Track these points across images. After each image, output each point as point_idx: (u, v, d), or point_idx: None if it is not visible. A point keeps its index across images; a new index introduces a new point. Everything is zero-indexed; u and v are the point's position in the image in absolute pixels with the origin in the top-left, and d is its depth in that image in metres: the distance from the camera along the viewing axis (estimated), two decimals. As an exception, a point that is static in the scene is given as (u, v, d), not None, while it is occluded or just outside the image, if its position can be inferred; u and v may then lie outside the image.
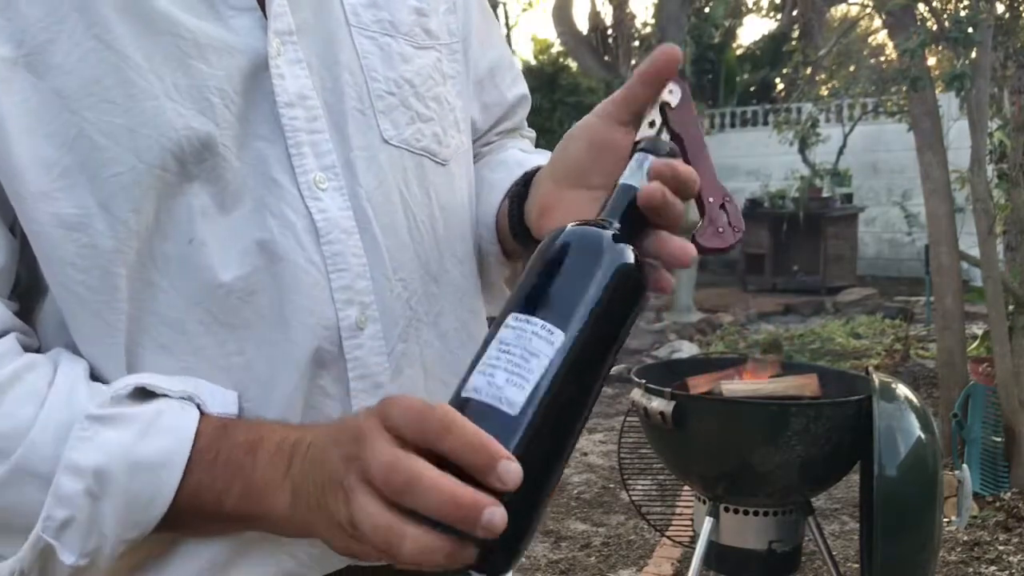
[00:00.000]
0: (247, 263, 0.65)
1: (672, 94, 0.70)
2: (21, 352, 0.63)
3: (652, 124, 0.70)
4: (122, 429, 0.60)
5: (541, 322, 0.56)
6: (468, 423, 0.51)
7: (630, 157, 0.66)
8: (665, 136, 0.70)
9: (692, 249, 0.64)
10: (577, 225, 0.62)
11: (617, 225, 0.63)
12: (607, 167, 0.67)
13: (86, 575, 0.61)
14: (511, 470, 0.50)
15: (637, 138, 0.69)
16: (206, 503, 0.61)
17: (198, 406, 0.63)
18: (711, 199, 0.72)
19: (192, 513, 0.62)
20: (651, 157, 0.65)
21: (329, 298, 0.67)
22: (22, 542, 0.60)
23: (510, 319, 0.57)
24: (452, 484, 0.50)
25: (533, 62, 13.64)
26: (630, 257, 0.61)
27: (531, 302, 0.58)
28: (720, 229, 0.73)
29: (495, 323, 0.59)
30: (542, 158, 0.82)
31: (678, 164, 0.64)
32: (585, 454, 4.54)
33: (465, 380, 0.55)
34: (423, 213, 0.75)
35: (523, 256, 0.81)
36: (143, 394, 0.62)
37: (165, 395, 0.62)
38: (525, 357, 0.55)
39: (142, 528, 0.61)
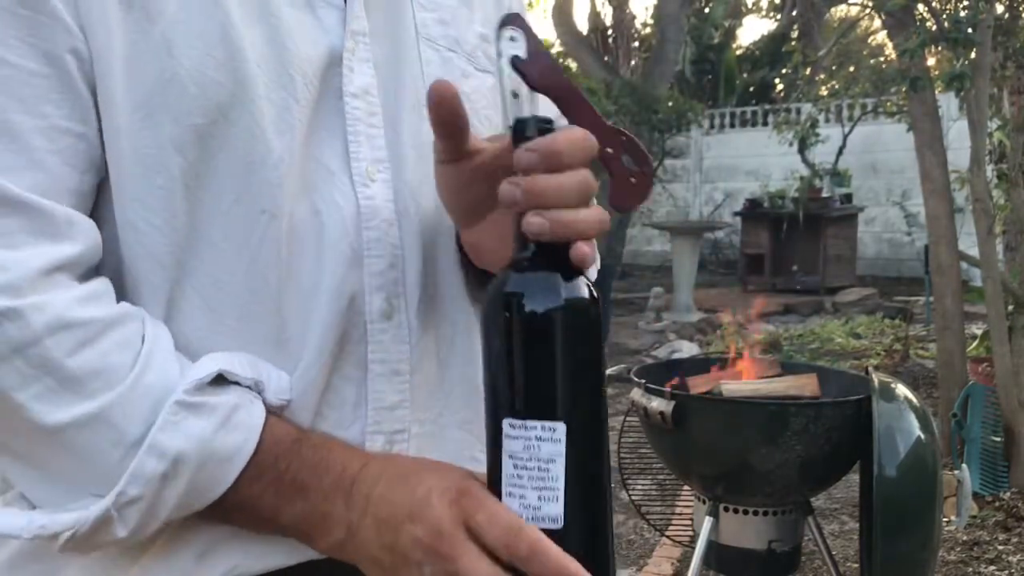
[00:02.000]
0: (301, 241, 0.68)
1: (515, 43, 0.61)
2: (115, 298, 0.65)
3: (515, 95, 0.62)
4: (206, 419, 0.62)
5: (539, 424, 0.57)
6: (552, 548, 0.57)
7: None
8: (527, 102, 0.61)
9: (590, 251, 0.59)
10: (505, 286, 0.58)
11: (530, 253, 0.59)
12: (479, 195, 0.67)
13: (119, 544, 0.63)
14: None
15: (509, 118, 0.62)
16: (263, 509, 0.64)
17: (260, 394, 0.66)
18: (609, 149, 0.65)
19: (244, 512, 0.64)
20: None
21: (361, 282, 0.70)
22: (64, 493, 0.61)
23: (507, 427, 0.58)
24: None
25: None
26: (565, 293, 0.57)
27: (519, 402, 0.58)
28: (632, 179, 0.65)
29: (489, 422, 0.60)
30: None
31: (540, 147, 0.59)
32: (585, 454, 4.54)
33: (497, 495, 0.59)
34: None
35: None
36: (219, 380, 0.64)
37: (237, 382, 0.64)
38: (543, 468, 0.58)
39: (189, 512, 0.63)
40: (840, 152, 10.62)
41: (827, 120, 10.52)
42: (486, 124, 0.79)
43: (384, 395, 0.71)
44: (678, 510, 2.83)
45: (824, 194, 10.40)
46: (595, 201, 0.63)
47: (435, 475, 0.63)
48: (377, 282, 0.70)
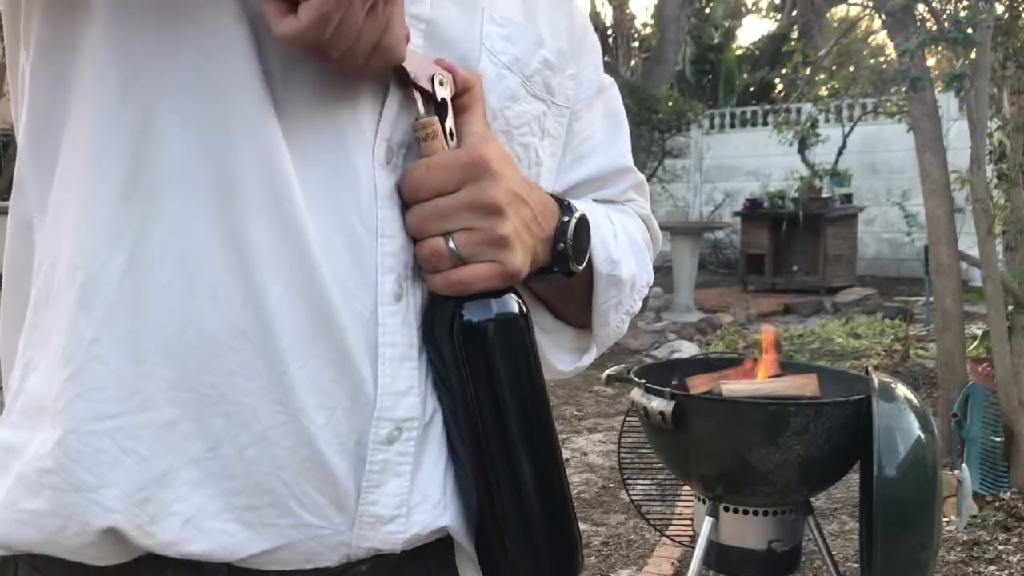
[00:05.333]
0: (323, 221, 0.66)
1: (444, 86, 0.68)
2: None
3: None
4: None
5: None
6: None
7: None
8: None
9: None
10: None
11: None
12: None
13: None
14: None
15: None
16: None
17: None
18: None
19: None
20: None
21: (374, 262, 0.68)
22: None
23: None
24: None
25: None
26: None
27: None
28: None
29: None
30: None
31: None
32: (585, 454, 4.54)
33: None
34: None
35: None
36: None
37: None
38: None
39: None
40: (840, 152, 10.63)
41: (827, 120, 10.53)
42: (521, 152, 0.77)
43: (394, 380, 0.68)
44: (678, 510, 2.83)
45: (824, 194, 10.41)
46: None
47: None
48: (387, 263, 0.68)
